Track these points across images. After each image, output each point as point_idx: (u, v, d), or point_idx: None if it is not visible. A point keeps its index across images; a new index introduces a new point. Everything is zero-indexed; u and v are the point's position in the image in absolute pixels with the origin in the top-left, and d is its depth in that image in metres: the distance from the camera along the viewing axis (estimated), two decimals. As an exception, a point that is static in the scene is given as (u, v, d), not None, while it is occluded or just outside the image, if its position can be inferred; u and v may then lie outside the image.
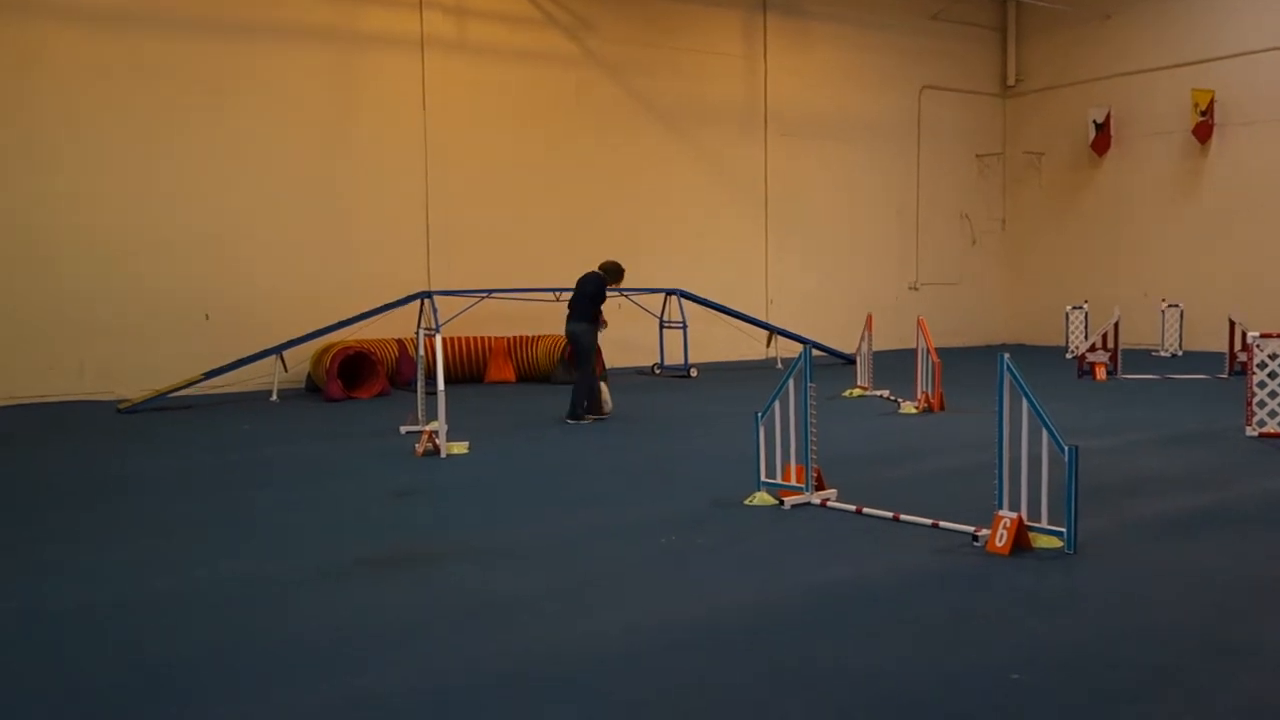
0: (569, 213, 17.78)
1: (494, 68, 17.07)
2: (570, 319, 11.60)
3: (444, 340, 14.61)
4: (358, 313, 14.74)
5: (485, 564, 5.75)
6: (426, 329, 12.83)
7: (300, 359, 14.79)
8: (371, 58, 16.01)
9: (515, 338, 16.14)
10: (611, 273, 11.77)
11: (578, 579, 5.44)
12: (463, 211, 16.77)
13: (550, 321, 16.63)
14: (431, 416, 9.49)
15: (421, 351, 10.43)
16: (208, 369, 13.76)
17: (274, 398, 13.82)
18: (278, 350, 14.19)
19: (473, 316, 15.65)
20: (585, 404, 11.45)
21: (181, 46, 14.55)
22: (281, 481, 8.33)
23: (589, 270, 11.85)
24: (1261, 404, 9.63)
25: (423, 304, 15.01)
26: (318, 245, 15.60)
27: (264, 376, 14.27)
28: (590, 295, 11.56)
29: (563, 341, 15.59)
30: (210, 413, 12.68)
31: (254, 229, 15.10)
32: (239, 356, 14.02)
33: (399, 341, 15.11)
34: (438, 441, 9.14)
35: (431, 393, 9.37)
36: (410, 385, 12.24)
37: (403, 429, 10.44)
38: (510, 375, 15.92)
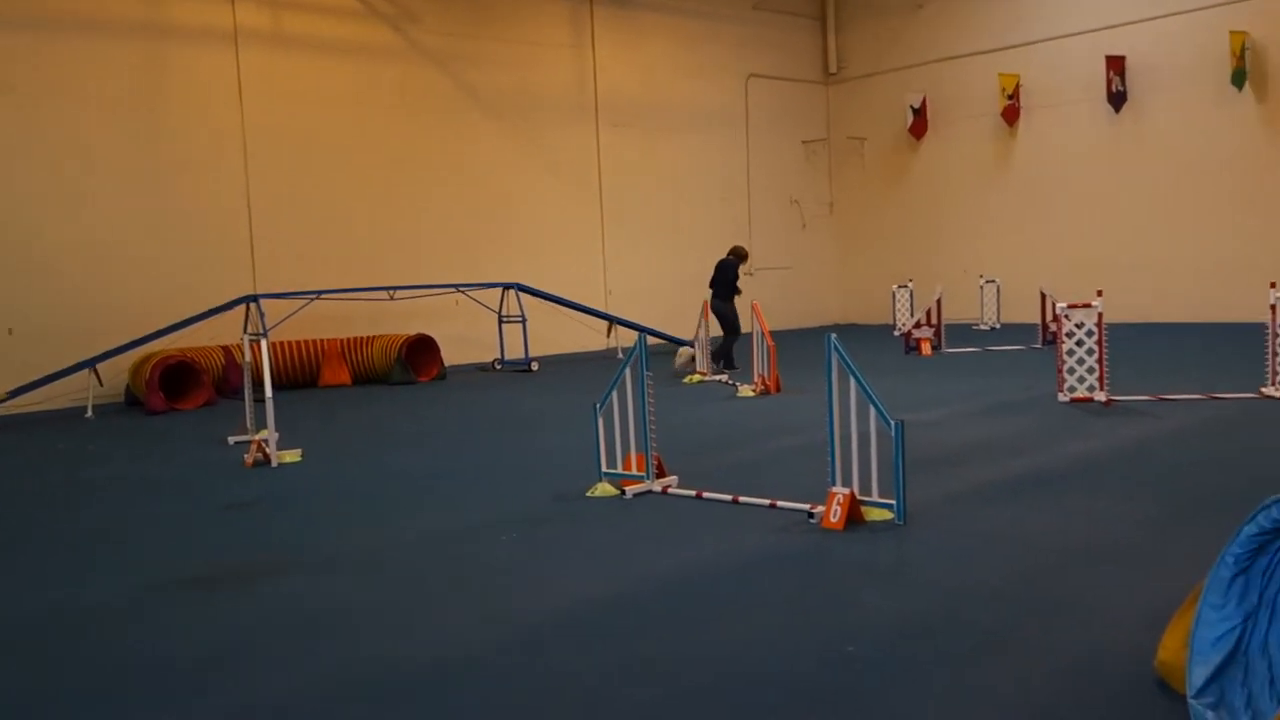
0: (400, 210, 17.43)
1: (314, 61, 16.55)
2: (714, 299, 14.71)
3: (274, 345, 14.12)
4: (178, 320, 14.09)
5: (320, 576, 5.56)
6: (251, 334, 12.34)
7: (117, 371, 14.03)
8: (182, 51, 15.28)
9: (350, 339, 15.70)
10: (741, 256, 15.12)
11: (418, 584, 5.31)
12: (288, 211, 16.22)
13: (386, 321, 16.30)
14: (261, 425, 9.14)
15: (248, 357, 10.04)
16: (13, 387, 12.91)
17: (89, 414, 13.05)
18: (91, 363, 13.42)
19: (304, 319, 15.15)
20: (731, 359, 14.65)
21: (-32, 42, 13.58)
22: (101, 500, 7.87)
23: (720, 258, 15.01)
24: (1071, 370, 10.17)
25: (248, 308, 14.43)
26: (131, 249, 14.81)
27: (78, 392, 13.48)
28: (729, 279, 14.74)
29: (399, 340, 15.32)
30: (18, 434, 11.89)
31: (58, 234, 14.21)
32: (48, 372, 13.20)
33: (225, 348, 14.50)
34: (268, 450, 8.81)
35: (260, 400, 9.01)
36: (239, 393, 11.76)
37: (231, 439, 10.03)
38: (346, 378, 15.48)
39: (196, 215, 15.39)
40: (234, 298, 14.61)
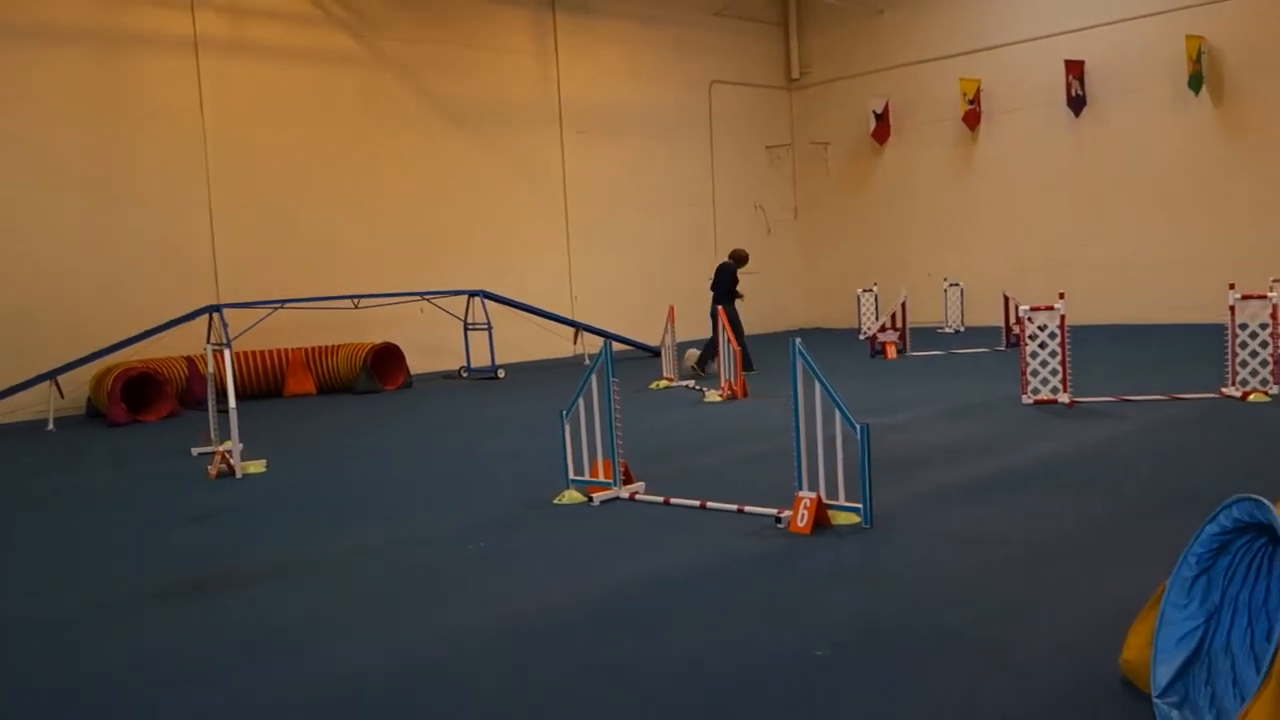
0: (364, 217, 17.31)
1: (276, 70, 16.41)
2: (713, 301, 14.72)
3: (238, 355, 13.97)
4: (141, 330, 13.91)
5: (286, 585, 5.50)
6: (214, 344, 12.21)
7: (79, 383, 13.82)
8: (141, 60, 15.09)
9: (314, 348, 15.56)
10: (740, 259, 15.09)
11: (384, 593, 5.27)
12: (250, 220, 16.06)
13: (351, 329, 16.19)
14: (225, 435, 9.04)
15: (212, 368, 9.93)
16: (-29, 400, 12.71)
17: (50, 427, 12.86)
18: (51, 375, 13.22)
19: (268, 329, 15.00)
20: (711, 361, 14.47)
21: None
22: (64, 513, 7.75)
23: (722, 261, 15.06)
24: (1034, 373, 10.27)
25: (211, 318, 14.27)
26: (93, 260, 14.60)
27: (38, 405, 13.27)
28: (728, 283, 14.66)
29: (364, 348, 15.19)
30: (-24, 447, 11.71)
31: (17, 245, 13.98)
32: (7, 385, 13.00)
33: (188, 359, 14.32)
34: (232, 461, 8.71)
35: (223, 410, 8.92)
36: (202, 404, 11.62)
37: (194, 450, 9.91)
38: (311, 387, 15.34)
39: (158, 225, 15.20)
40: (197, 308, 14.45)
